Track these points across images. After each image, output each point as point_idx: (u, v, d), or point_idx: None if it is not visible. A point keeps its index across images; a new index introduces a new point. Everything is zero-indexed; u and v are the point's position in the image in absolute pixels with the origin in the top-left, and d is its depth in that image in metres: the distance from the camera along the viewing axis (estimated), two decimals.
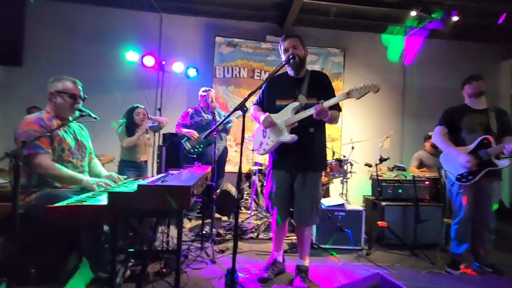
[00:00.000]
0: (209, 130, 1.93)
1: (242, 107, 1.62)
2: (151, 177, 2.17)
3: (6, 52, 4.35)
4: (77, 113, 1.92)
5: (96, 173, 2.10)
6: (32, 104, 3.97)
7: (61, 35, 4.58)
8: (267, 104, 2.19)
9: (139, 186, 1.32)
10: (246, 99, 1.62)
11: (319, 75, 2.17)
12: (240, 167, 1.59)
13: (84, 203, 1.40)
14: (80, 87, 1.98)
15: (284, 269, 2.28)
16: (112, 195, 1.31)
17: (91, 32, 4.65)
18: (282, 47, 2.09)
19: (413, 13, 4.33)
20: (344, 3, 4.40)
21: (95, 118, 1.95)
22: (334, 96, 2.01)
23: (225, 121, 3.49)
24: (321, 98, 1.92)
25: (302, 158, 2.04)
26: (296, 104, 2.01)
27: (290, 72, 2.13)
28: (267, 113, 2.08)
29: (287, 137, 2.01)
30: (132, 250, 1.63)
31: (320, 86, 2.07)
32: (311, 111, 1.91)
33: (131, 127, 3.24)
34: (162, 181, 1.56)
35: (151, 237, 1.93)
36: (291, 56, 1.99)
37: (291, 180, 2.09)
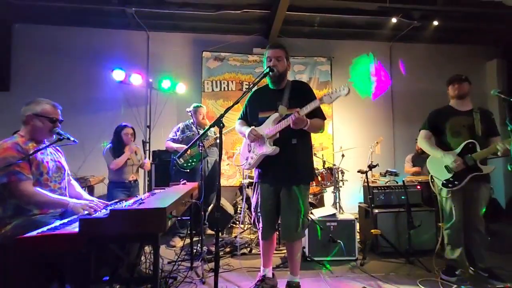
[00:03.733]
0: (185, 149, 1.91)
1: (218, 123, 1.61)
2: (135, 197, 2.12)
3: None
4: (54, 137, 1.89)
5: (75, 194, 2.05)
6: (18, 129, 3.94)
7: (48, 58, 4.60)
8: (250, 117, 2.18)
9: (111, 211, 1.28)
10: (222, 115, 1.61)
11: (299, 85, 2.16)
12: (218, 183, 1.56)
13: (56, 232, 1.36)
14: (59, 111, 1.96)
15: (275, 285, 2.20)
16: (83, 222, 1.27)
17: (79, 53, 4.68)
18: (266, 55, 2.08)
19: (394, 20, 4.40)
20: (327, 13, 4.48)
21: (74, 141, 1.92)
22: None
23: (206, 137, 3.50)
24: (303, 107, 1.89)
25: (285, 171, 1.99)
26: (276, 115, 1.99)
27: (271, 85, 2.12)
28: (252, 127, 2.06)
29: (269, 149, 1.97)
30: (106, 278, 1.57)
31: (301, 96, 2.03)
32: (288, 121, 1.88)
33: (118, 147, 3.23)
34: (140, 203, 1.52)
35: (134, 261, 1.87)
36: (269, 70, 1.99)
37: (276, 193, 2.05)
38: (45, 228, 1.42)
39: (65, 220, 1.59)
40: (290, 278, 2.10)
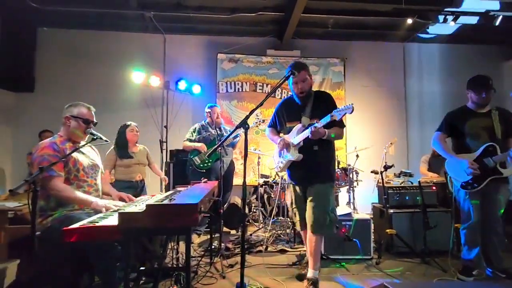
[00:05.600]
0: (214, 148, 2.00)
1: (244, 125, 1.70)
2: (160, 194, 2.23)
3: (18, 79, 4.56)
4: (88, 137, 2.02)
5: (105, 191, 2.17)
6: (43, 128, 4.13)
7: (70, 60, 4.80)
8: (279, 126, 2.45)
9: (147, 205, 1.38)
10: (247, 117, 1.70)
11: (321, 96, 2.35)
12: (244, 182, 1.64)
13: (96, 224, 1.46)
14: (93, 113, 2.09)
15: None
16: (122, 216, 1.37)
17: (99, 56, 4.86)
18: (291, 81, 2.24)
19: (410, 21, 4.41)
20: (341, 15, 4.52)
21: (106, 141, 2.05)
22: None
23: (231, 136, 3.58)
24: (322, 118, 2.09)
25: (308, 173, 2.23)
26: (299, 125, 2.23)
27: (297, 98, 2.32)
28: (281, 136, 2.34)
29: (294, 156, 2.22)
30: (143, 268, 1.67)
31: (323, 107, 2.20)
32: (307, 133, 2.11)
33: (123, 145, 3.20)
34: (170, 200, 1.62)
35: (161, 254, 1.98)
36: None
37: (303, 191, 2.30)
38: (85, 221, 1.53)
39: (101, 215, 1.70)
40: (309, 274, 2.20)
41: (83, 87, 4.71)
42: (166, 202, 1.56)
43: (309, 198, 2.21)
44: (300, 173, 2.29)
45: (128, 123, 3.31)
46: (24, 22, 4.55)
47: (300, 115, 2.25)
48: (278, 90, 5.09)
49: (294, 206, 2.40)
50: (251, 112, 1.72)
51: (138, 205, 1.80)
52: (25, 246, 2.08)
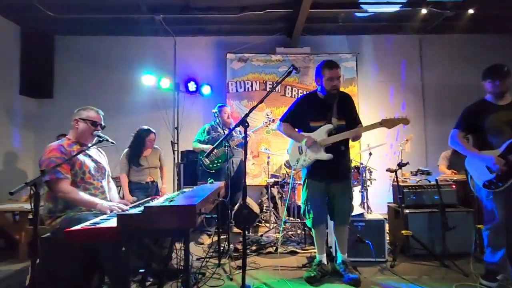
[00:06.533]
0: (212, 147, 1.98)
1: (243, 122, 1.66)
2: (162, 193, 2.24)
3: (39, 86, 4.77)
4: (95, 139, 2.05)
5: (111, 197, 2.20)
6: (62, 132, 4.29)
7: (85, 66, 4.96)
8: (300, 123, 2.43)
9: (145, 207, 1.37)
10: (247, 115, 1.66)
11: (346, 98, 2.43)
12: (244, 181, 1.61)
13: (97, 226, 1.48)
14: (101, 116, 2.13)
15: (329, 271, 2.43)
16: (120, 217, 1.38)
17: (112, 61, 5.00)
18: (325, 74, 2.27)
19: (424, 11, 4.19)
20: (352, 9, 4.37)
21: (112, 143, 2.07)
22: (357, 116, 2.43)
23: (240, 137, 3.58)
24: (348, 119, 2.32)
25: (337, 170, 2.34)
26: (330, 126, 2.29)
27: (321, 95, 2.35)
28: (308, 134, 2.34)
29: (324, 155, 2.28)
30: (143, 270, 1.67)
31: (347, 108, 2.38)
32: (345, 136, 2.25)
33: (137, 151, 3.25)
34: (170, 201, 1.61)
35: (166, 255, 1.98)
36: (292, 68, 2.05)
37: (324, 188, 2.36)
38: (87, 223, 1.55)
39: (104, 216, 1.72)
40: (343, 258, 2.42)
41: (97, 91, 4.86)
42: (166, 203, 1.56)
43: (337, 194, 2.33)
44: (326, 170, 2.32)
45: (146, 127, 3.31)
46: (42, 31, 4.75)
47: (326, 115, 2.30)
48: (289, 88, 5.02)
49: (309, 202, 2.38)
50: (250, 110, 1.69)
51: (140, 207, 1.81)
52: (42, 246, 2.16)
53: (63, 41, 5.00)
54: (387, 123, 2.23)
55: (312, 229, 2.46)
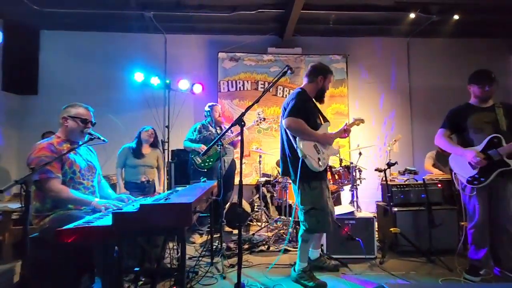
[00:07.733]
0: (209, 146, 1.97)
1: (240, 121, 1.66)
2: (157, 194, 2.22)
3: (22, 81, 4.60)
4: (86, 137, 2.00)
5: (105, 195, 2.16)
6: (47, 130, 4.16)
7: (72, 62, 4.82)
8: (312, 122, 2.27)
9: (141, 205, 1.36)
10: (243, 114, 1.66)
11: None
12: (240, 180, 1.61)
13: (91, 225, 1.45)
14: (91, 113, 2.07)
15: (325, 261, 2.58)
16: (115, 216, 1.35)
17: (100, 57, 4.88)
18: (323, 81, 2.37)
19: (412, 15, 4.31)
20: (343, 11, 4.44)
21: (104, 140, 2.03)
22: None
23: (232, 135, 3.57)
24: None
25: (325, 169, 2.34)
26: (329, 124, 2.40)
27: (312, 95, 2.41)
28: (323, 132, 2.30)
29: (336, 150, 2.43)
30: (137, 268, 1.66)
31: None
32: (341, 132, 2.40)
33: (138, 147, 3.42)
34: (166, 199, 1.59)
35: (159, 254, 1.96)
36: (287, 68, 2.05)
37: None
38: (80, 221, 1.52)
39: (98, 215, 1.69)
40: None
41: (85, 88, 4.73)
42: (161, 201, 1.54)
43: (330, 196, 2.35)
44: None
45: (147, 127, 3.56)
46: (26, 25, 4.58)
47: (323, 115, 2.42)
48: (280, 88, 5.05)
49: (323, 207, 2.21)
50: (247, 109, 1.69)
51: (135, 205, 1.79)
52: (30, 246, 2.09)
53: (49, 36, 4.85)
54: (350, 125, 2.43)
55: (314, 234, 2.31)
